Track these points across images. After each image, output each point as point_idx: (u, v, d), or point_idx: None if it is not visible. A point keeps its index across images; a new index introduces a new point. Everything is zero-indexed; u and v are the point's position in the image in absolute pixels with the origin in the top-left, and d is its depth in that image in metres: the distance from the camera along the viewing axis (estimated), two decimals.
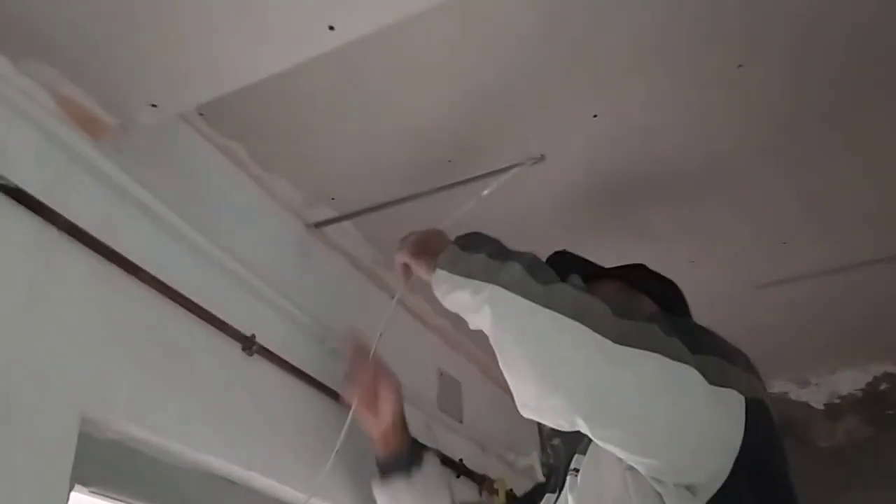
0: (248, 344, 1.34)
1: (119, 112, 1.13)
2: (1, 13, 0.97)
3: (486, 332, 1.10)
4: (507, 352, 1.05)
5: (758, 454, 0.99)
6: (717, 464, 0.95)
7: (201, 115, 1.34)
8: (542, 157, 1.44)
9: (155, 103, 1.12)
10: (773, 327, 2.14)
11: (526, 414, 1.08)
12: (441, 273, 1.19)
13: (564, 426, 1.03)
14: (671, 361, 0.95)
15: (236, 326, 1.32)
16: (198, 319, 1.25)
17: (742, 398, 0.98)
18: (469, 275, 1.12)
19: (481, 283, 1.09)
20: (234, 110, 1.33)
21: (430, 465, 1.50)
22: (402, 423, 1.49)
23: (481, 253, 1.14)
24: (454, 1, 1.11)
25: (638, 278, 1.31)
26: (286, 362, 1.43)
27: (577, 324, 0.97)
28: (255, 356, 1.36)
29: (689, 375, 0.95)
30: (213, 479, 1.29)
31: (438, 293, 1.21)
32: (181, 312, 1.22)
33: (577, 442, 1.22)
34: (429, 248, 1.27)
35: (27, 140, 1.04)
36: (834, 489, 2.26)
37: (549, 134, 1.42)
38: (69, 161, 1.09)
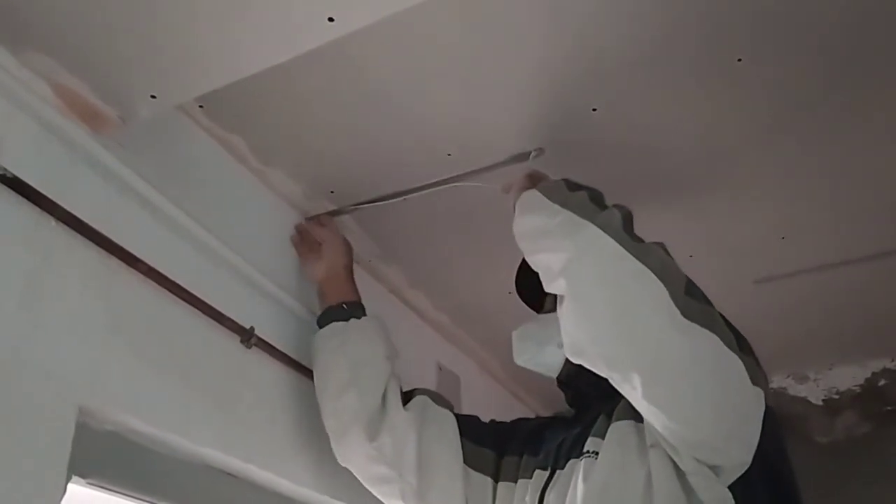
0: (247, 336, 1.34)
1: (118, 103, 1.12)
2: (1, 5, 0.97)
3: (553, 267, 1.13)
4: (584, 291, 1.09)
5: (771, 458, 1.06)
6: (743, 452, 1.02)
7: (201, 107, 1.33)
8: (542, 151, 1.44)
9: (154, 94, 1.11)
10: (772, 322, 2.15)
11: (574, 358, 1.12)
12: (534, 193, 1.22)
13: (615, 378, 1.07)
14: (725, 347, 1.01)
15: (235, 319, 1.32)
16: (196, 311, 1.25)
17: (764, 403, 1.05)
18: (565, 206, 1.15)
19: (578, 217, 1.12)
20: (234, 103, 1.32)
21: (370, 320, 1.48)
22: (347, 275, 1.52)
23: (583, 191, 1.18)
24: None
25: None
26: (285, 355, 1.44)
27: (660, 284, 1.02)
28: (254, 348, 1.36)
29: (737, 365, 1.01)
30: (211, 471, 1.29)
31: (519, 209, 1.24)
32: (180, 304, 1.22)
33: (581, 422, 1.23)
34: (535, 182, 1.30)
35: (26, 131, 1.04)
36: (832, 485, 2.27)
37: (548, 127, 1.42)
38: (68, 152, 1.09)
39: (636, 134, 1.44)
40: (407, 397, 1.45)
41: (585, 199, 1.16)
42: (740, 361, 1.01)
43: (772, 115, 1.41)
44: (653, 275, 1.02)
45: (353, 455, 1.39)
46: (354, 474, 1.42)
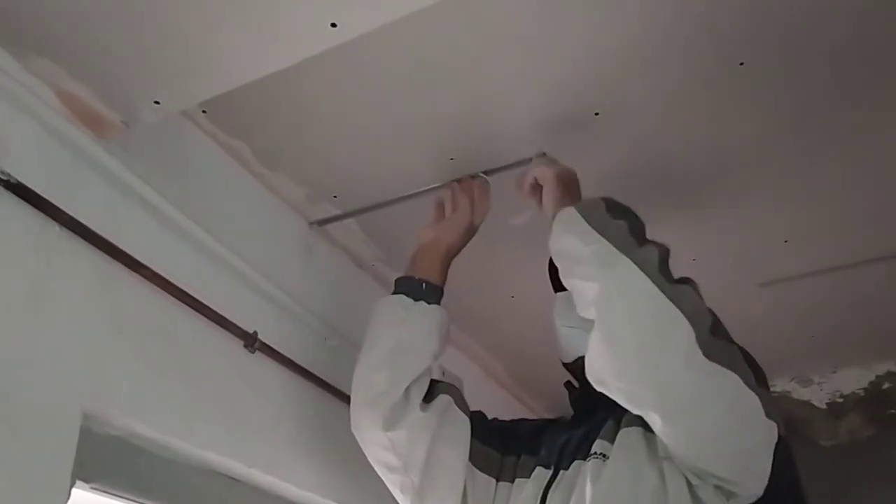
0: (251, 341, 1.35)
1: (122, 109, 1.13)
2: (5, 9, 0.97)
3: (586, 295, 1.12)
4: (613, 325, 1.08)
5: (785, 485, 1.08)
6: (756, 484, 1.05)
7: (204, 112, 1.34)
8: (544, 155, 1.44)
9: (158, 100, 1.12)
10: (776, 326, 2.14)
11: (596, 386, 1.12)
12: (573, 213, 1.19)
13: (632, 409, 1.09)
14: (744, 386, 1.03)
15: (239, 323, 1.32)
16: (200, 316, 1.25)
17: (776, 435, 1.07)
18: (603, 234, 1.13)
19: (614, 249, 1.11)
20: (238, 108, 1.33)
21: (436, 311, 1.41)
22: (445, 255, 1.45)
23: (623, 221, 1.16)
24: None
25: None
26: (288, 359, 1.44)
27: (689, 326, 1.02)
28: (258, 353, 1.36)
29: (755, 403, 1.04)
30: (214, 475, 1.29)
31: (556, 228, 1.22)
32: (184, 309, 1.23)
33: (586, 424, 1.23)
34: (569, 188, 1.31)
35: (30, 136, 1.04)
36: (836, 488, 2.26)
37: (550, 132, 1.42)
38: (72, 157, 1.10)
39: (638, 137, 1.45)
40: (431, 392, 1.39)
41: (625, 231, 1.13)
42: (757, 398, 1.03)
43: (775, 118, 1.41)
44: (684, 318, 1.02)
45: (366, 434, 1.35)
46: (359, 442, 1.37)
